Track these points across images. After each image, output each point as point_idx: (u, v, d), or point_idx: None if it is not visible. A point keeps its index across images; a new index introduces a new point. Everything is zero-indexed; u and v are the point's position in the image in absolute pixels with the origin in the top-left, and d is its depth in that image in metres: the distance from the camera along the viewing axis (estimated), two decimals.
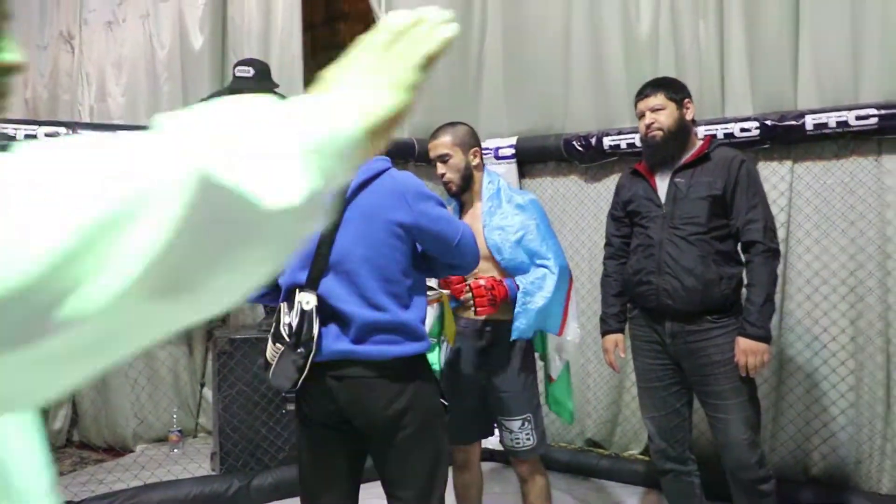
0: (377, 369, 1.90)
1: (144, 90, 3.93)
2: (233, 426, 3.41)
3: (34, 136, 3.05)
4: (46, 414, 4.01)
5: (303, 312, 1.93)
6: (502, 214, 2.50)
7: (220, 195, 0.42)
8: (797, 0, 3.10)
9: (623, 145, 3.40)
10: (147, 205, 0.40)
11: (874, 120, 2.89)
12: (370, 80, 0.57)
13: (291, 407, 2.32)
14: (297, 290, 1.96)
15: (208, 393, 3.94)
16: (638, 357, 2.62)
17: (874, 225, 3.00)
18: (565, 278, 2.50)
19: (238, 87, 3.33)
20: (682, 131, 2.50)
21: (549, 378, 2.66)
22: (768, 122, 3.07)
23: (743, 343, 2.38)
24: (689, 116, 2.52)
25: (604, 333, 2.69)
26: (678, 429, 2.56)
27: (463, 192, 2.53)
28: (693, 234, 2.43)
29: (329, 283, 1.92)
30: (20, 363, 0.40)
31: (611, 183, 3.56)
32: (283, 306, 2.01)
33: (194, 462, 3.72)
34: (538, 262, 2.46)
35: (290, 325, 1.95)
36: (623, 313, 2.67)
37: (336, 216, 1.92)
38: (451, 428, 2.55)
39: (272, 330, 1.99)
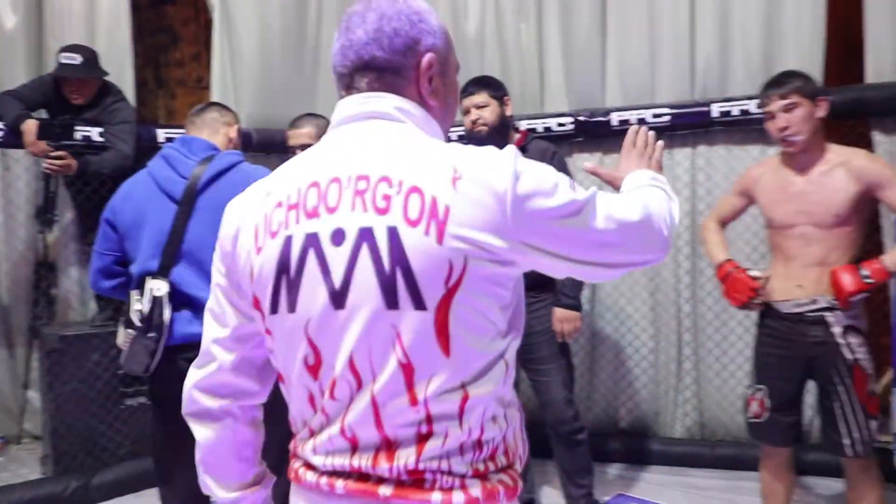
0: None
1: None
2: (67, 426, 3.30)
3: None
4: None
5: (154, 299, 1.99)
6: None
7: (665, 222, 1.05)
8: (604, 10, 3.48)
9: (453, 138, 3.63)
10: (669, 214, 1.07)
11: (667, 118, 3.34)
12: (649, 170, 1.23)
13: (131, 401, 2.32)
14: (149, 278, 2.01)
15: (35, 396, 3.75)
16: None
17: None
18: None
19: (64, 73, 3.18)
20: (504, 126, 2.73)
21: None
22: (581, 118, 3.44)
23: (559, 313, 2.68)
24: (508, 112, 2.75)
25: None
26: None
27: None
28: None
29: (181, 271, 1.99)
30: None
31: None
32: (135, 294, 2.05)
33: (25, 467, 3.55)
34: None
35: (140, 312, 2.00)
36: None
37: (187, 207, 1.99)
38: None
39: (124, 317, 2.03)
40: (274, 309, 0.97)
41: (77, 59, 3.16)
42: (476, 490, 0.92)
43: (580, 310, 2.74)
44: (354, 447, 0.94)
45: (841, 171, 2.25)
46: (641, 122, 3.36)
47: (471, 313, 0.90)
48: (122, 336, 2.03)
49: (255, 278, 0.98)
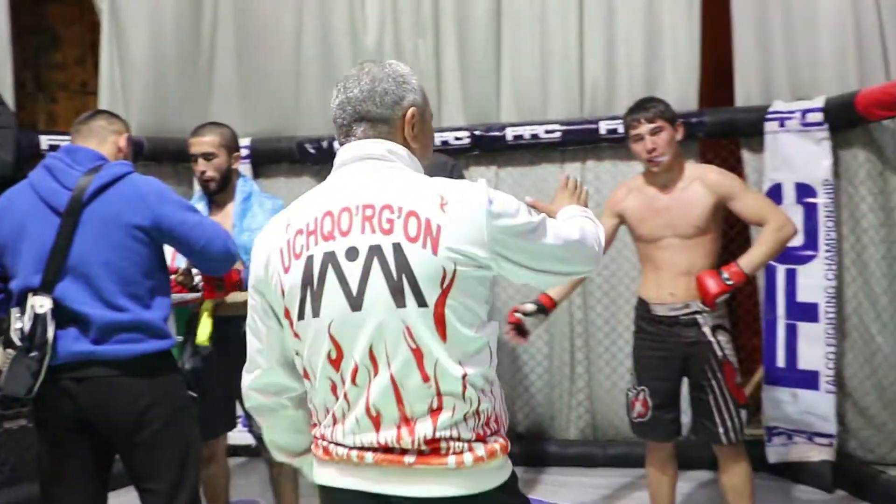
0: (120, 368, 1.93)
1: None
2: None
3: None
4: None
5: (35, 316, 1.90)
6: (252, 216, 2.60)
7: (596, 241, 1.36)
8: (499, 28, 3.62)
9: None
10: (598, 236, 1.38)
11: (558, 133, 3.50)
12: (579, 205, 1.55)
13: (10, 424, 2.20)
14: (31, 294, 1.92)
15: None
16: None
17: None
18: None
19: None
20: None
21: None
22: (477, 133, 3.55)
23: None
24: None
25: None
26: None
27: (219, 192, 2.58)
28: None
29: (66, 287, 1.91)
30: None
31: None
32: (15, 311, 1.95)
33: None
34: None
35: (21, 330, 1.91)
36: None
37: (72, 220, 1.91)
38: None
39: (3, 336, 1.93)
40: (301, 316, 1.23)
41: None
42: (480, 450, 1.20)
43: None
44: (378, 425, 1.19)
45: (697, 185, 2.46)
46: (534, 137, 3.52)
47: (461, 307, 1.19)
48: (2, 356, 1.93)
49: (286, 293, 1.24)
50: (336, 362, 1.21)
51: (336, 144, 3.58)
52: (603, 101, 3.56)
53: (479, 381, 1.20)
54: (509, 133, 3.53)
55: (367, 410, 1.19)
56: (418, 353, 1.18)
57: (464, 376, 1.18)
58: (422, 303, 1.17)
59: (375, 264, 1.18)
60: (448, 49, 3.63)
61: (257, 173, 3.85)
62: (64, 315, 1.90)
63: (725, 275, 2.35)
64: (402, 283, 1.17)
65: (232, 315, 2.53)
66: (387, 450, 1.19)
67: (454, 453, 1.18)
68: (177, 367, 2.14)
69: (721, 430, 2.44)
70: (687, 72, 3.46)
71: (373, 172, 1.25)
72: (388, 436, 1.19)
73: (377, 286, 1.18)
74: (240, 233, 2.57)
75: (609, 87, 3.56)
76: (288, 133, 3.80)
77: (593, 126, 3.48)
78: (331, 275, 1.20)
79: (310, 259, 1.21)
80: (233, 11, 3.76)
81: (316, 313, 1.21)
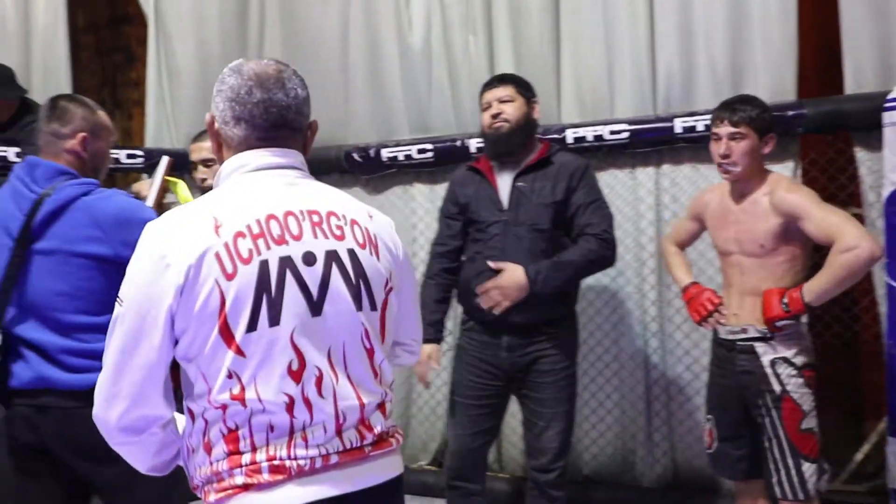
0: (79, 399, 1.73)
1: None
2: None
3: None
4: None
5: None
6: None
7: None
8: (557, 19, 3.23)
9: (401, 157, 3.40)
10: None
11: (626, 134, 3.05)
12: None
13: None
14: None
15: None
16: (463, 370, 2.54)
17: (630, 234, 3.17)
18: None
19: None
20: (528, 128, 2.48)
21: None
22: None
23: (514, 270, 2.33)
24: (535, 115, 2.51)
25: (424, 341, 2.62)
26: (479, 451, 2.54)
27: None
28: (535, 242, 2.40)
29: (18, 316, 1.77)
30: None
31: (391, 195, 3.58)
32: None
33: None
34: None
35: None
36: (443, 322, 2.59)
37: (22, 251, 1.76)
38: None
39: None
40: (252, 327, 1.12)
41: None
42: (399, 434, 1.30)
43: (534, 288, 2.33)
44: (339, 430, 1.17)
45: (765, 200, 2.18)
46: (598, 139, 3.09)
47: (393, 309, 1.29)
48: None
49: (229, 303, 1.12)
50: (297, 374, 1.15)
51: (384, 152, 3.34)
52: (679, 95, 3.08)
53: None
54: (569, 135, 3.12)
55: (336, 418, 1.17)
56: (371, 353, 1.23)
57: (390, 371, 1.28)
58: (373, 306, 1.23)
59: (335, 269, 1.19)
60: (502, 44, 3.29)
61: None
62: (19, 343, 1.77)
63: (786, 299, 2.05)
64: (360, 287, 1.21)
65: None
66: (350, 450, 1.18)
67: (391, 437, 1.26)
68: None
69: (775, 479, 2.12)
70: (781, 56, 2.90)
71: (294, 180, 1.23)
72: (350, 438, 1.18)
73: (339, 291, 1.19)
74: None
75: (686, 79, 3.06)
76: (337, 141, 3.61)
77: (667, 124, 3.00)
78: (290, 280, 1.15)
79: (264, 263, 1.14)
80: (279, 20, 3.62)
81: (274, 321, 1.13)
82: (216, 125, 1.25)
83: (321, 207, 1.20)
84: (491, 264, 2.38)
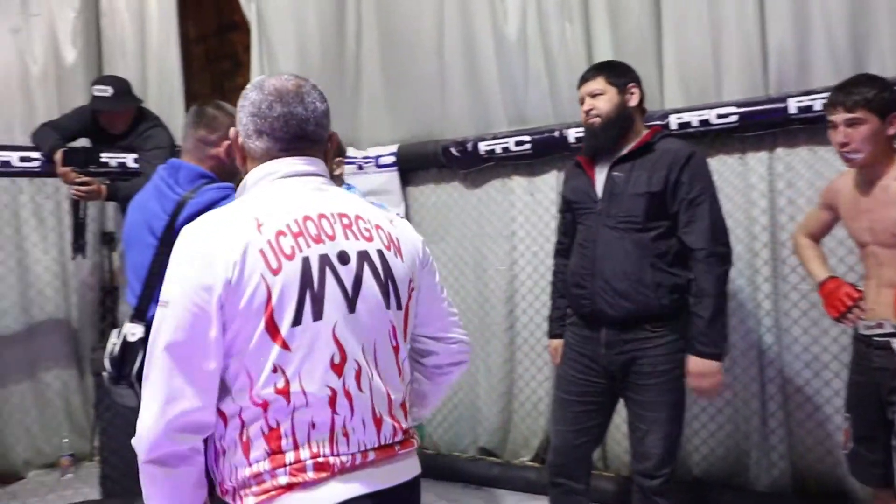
0: None
1: (19, 107, 3.80)
2: (112, 449, 3.32)
3: None
4: None
5: (126, 344, 1.87)
6: None
7: None
8: (658, 0, 3.08)
9: (498, 150, 3.35)
10: None
11: (734, 118, 2.88)
12: None
13: None
14: (126, 320, 1.90)
15: None
16: (565, 365, 2.48)
17: (741, 224, 2.99)
18: None
19: (96, 106, 3.24)
20: (623, 118, 2.34)
21: None
22: None
23: (693, 364, 2.22)
24: (632, 102, 2.36)
25: (549, 337, 2.63)
26: (582, 448, 2.45)
27: None
28: (629, 233, 2.27)
29: None
30: None
31: (490, 189, 3.54)
32: (114, 333, 1.95)
33: (87, 486, 3.63)
34: None
35: (112, 355, 1.89)
36: (568, 316, 2.54)
37: (166, 249, 1.81)
38: None
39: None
40: (297, 321, 1.16)
41: (108, 91, 3.20)
42: (416, 435, 1.34)
43: (722, 357, 2.24)
44: (379, 425, 1.22)
45: (894, 185, 2.02)
46: (704, 123, 2.93)
47: (415, 309, 1.35)
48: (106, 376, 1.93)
49: (275, 297, 1.15)
50: (339, 367, 1.18)
51: (481, 145, 3.31)
52: (793, 73, 2.86)
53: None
54: (673, 121, 2.97)
55: (373, 412, 1.22)
56: (396, 350, 1.29)
57: (408, 372, 1.33)
58: (399, 305, 1.29)
59: (366, 268, 1.24)
60: (599, 30, 3.17)
61: (406, 181, 3.70)
62: None
63: None
64: (389, 286, 1.27)
65: None
66: (384, 446, 1.23)
67: (412, 437, 1.31)
68: None
69: None
70: None
71: (321, 186, 1.30)
72: (386, 433, 1.23)
73: (371, 289, 1.24)
74: None
75: (800, 55, 2.84)
76: (435, 136, 3.60)
77: (780, 105, 2.80)
78: (329, 276, 1.20)
79: (306, 260, 1.19)
80: (375, 20, 3.65)
81: (318, 316, 1.17)
82: (240, 139, 1.31)
83: (349, 211, 1.27)
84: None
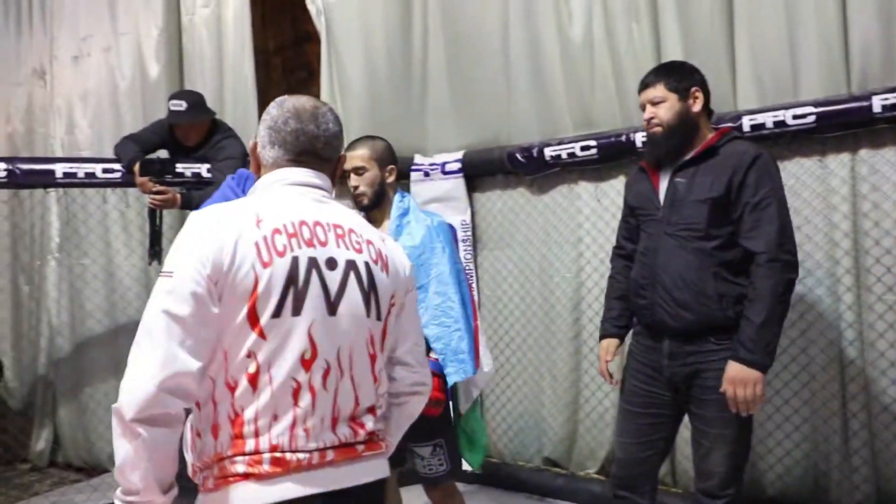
0: None
1: (109, 121, 4.03)
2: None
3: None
4: (29, 436, 4.17)
5: None
6: (409, 234, 2.45)
7: None
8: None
9: (564, 155, 3.29)
10: None
11: (811, 118, 2.72)
12: None
13: None
14: None
15: None
16: (629, 375, 2.40)
17: (821, 230, 2.82)
18: (468, 308, 2.43)
19: (171, 120, 3.38)
20: (686, 125, 2.22)
21: (458, 413, 2.51)
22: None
23: (732, 369, 2.09)
24: (696, 108, 2.24)
25: (600, 338, 2.54)
26: (647, 462, 2.36)
27: (373, 208, 2.47)
28: (690, 241, 2.17)
29: None
30: None
31: (556, 195, 3.48)
32: None
33: None
34: (438, 288, 2.40)
35: None
36: (624, 318, 2.48)
37: None
38: None
39: None
40: (277, 313, 1.24)
41: (182, 105, 3.33)
42: (388, 440, 1.45)
43: (766, 369, 2.09)
44: (335, 424, 1.28)
45: None
46: (780, 125, 2.78)
47: (393, 327, 1.44)
48: None
49: (261, 287, 1.23)
50: (308, 363, 1.25)
51: (547, 151, 3.27)
52: (878, 69, 2.68)
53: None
54: (746, 122, 2.84)
55: (333, 411, 1.28)
56: (373, 358, 1.36)
57: (384, 382, 1.41)
58: (379, 316, 1.38)
59: (352, 277, 1.33)
60: (669, 28, 3.06)
61: (472, 187, 3.68)
62: None
63: None
64: (371, 296, 1.35)
65: None
66: (344, 445, 1.29)
67: (382, 440, 1.39)
68: None
69: None
70: None
71: (323, 199, 1.39)
72: (344, 433, 1.29)
73: (353, 296, 1.32)
74: None
75: (886, 49, 2.66)
76: (501, 142, 3.58)
77: (864, 104, 2.63)
78: (314, 278, 1.28)
79: (295, 259, 1.27)
80: (441, 29, 3.64)
81: (297, 312, 1.25)
82: (258, 149, 1.41)
83: (344, 223, 1.37)
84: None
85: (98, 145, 4.02)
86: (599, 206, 3.32)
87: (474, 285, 3.68)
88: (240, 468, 1.20)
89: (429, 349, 2.39)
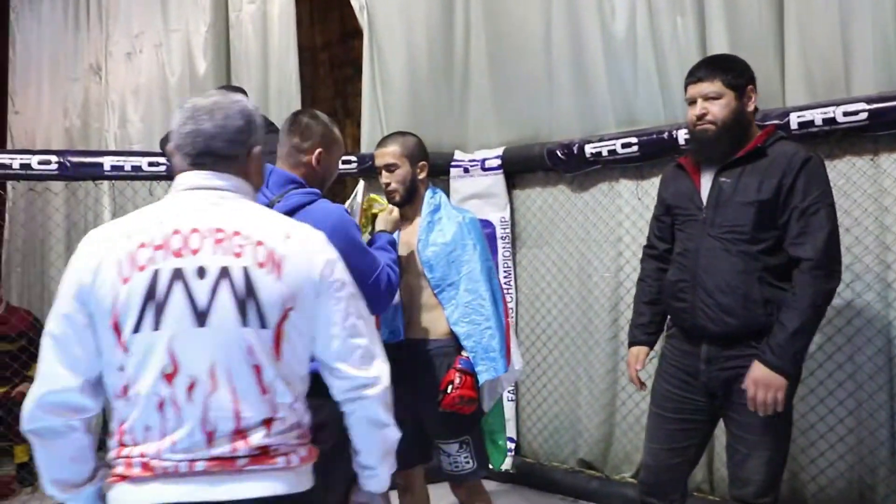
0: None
1: (159, 116, 4.14)
2: None
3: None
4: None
5: None
6: (440, 231, 2.44)
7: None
8: None
9: (605, 152, 3.23)
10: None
11: (863, 115, 2.60)
12: None
13: None
14: None
15: None
16: (660, 378, 2.33)
17: (871, 232, 2.70)
18: (499, 305, 2.41)
19: None
20: (740, 125, 2.12)
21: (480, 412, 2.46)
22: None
23: (756, 370, 2.02)
24: (750, 107, 2.13)
25: (629, 345, 2.45)
26: (676, 469, 2.29)
27: (405, 204, 2.47)
28: (735, 244, 2.09)
29: None
30: None
31: (597, 193, 3.42)
32: None
33: None
34: (468, 286, 2.38)
35: None
36: (655, 324, 2.40)
37: None
38: None
39: None
40: (137, 328, 1.25)
41: None
42: (304, 452, 1.36)
43: (790, 375, 2.02)
44: (211, 439, 1.25)
45: None
46: (829, 122, 2.67)
47: (295, 333, 1.32)
48: None
49: (120, 304, 1.26)
50: (170, 377, 1.25)
51: (587, 148, 3.22)
52: None
53: (305, 400, 1.37)
54: (794, 119, 2.73)
55: (203, 425, 1.25)
56: (258, 369, 1.29)
57: (291, 391, 1.33)
58: (263, 324, 1.29)
59: (224, 284, 1.27)
60: (715, 23, 2.97)
61: (512, 184, 3.65)
62: None
63: None
64: (248, 304, 1.27)
65: (419, 338, 2.41)
66: (219, 458, 1.25)
67: (282, 454, 1.30)
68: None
69: None
70: None
71: (219, 201, 1.35)
72: (222, 450, 1.25)
73: (225, 305, 1.27)
74: (424, 248, 2.41)
75: None
76: (543, 139, 3.53)
77: None
78: (177, 290, 1.26)
79: (156, 273, 1.26)
80: (483, 25, 3.62)
81: (156, 326, 1.25)
82: (175, 155, 1.41)
83: (229, 226, 1.31)
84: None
85: (148, 139, 4.13)
86: (640, 204, 3.25)
87: (512, 283, 3.65)
88: (119, 469, 1.27)
89: (460, 348, 2.38)
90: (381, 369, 1.43)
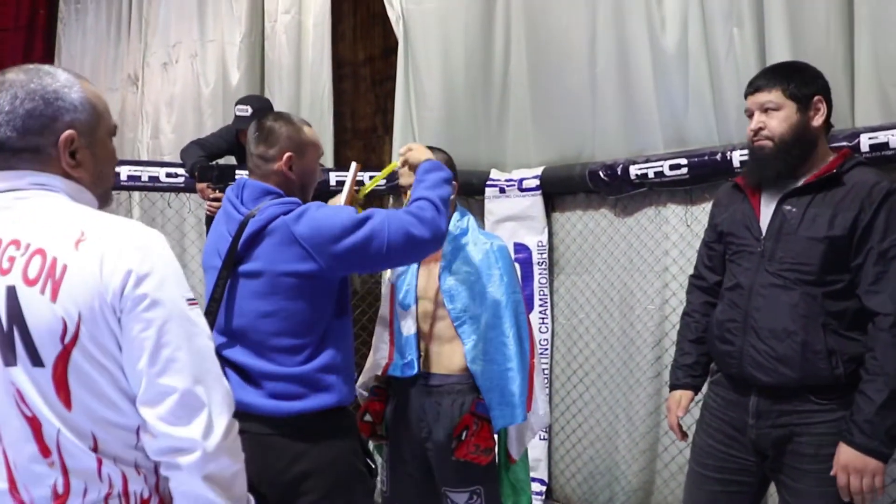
0: (277, 427, 1.71)
1: (191, 126, 4.07)
2: None
3: None
4: None
5: None
6: (464, 258, 2.22)
7: None
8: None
9: (651, 174, 2.97)
10: None
11: None
12: None
13: None
14: None
15: None
16: (702, 432, 2.04)
17: None
18: (525, 344, 2.18)
19: (236, 125, 3.32)
20: (803, 142, 1.85)
21: (508, 459, 2.22)
22: None
23: (845, 455, 1.73)
24: (817, 121, 1.86)
25: (670, 388, 2.15)
26: None
27: None
28: (798, 285, 1.81)
29: (221, 337, 1.76)
30: None
31: (642, 217, 3.16)
32: None
33: None
34: (491, 320, 2.15)
35: None
36: (700, 365, 2.11)
37: (226, 273, 1.75)
38: (391, 498, 2.29)
39: None
40: None
41: (248, 110, 3.27)
42: None
43: (886, 458, 1.72)
44: None
45: None
46: None
47: (91, 369, 1.00)
48: None
49: None
50: None
51: (632, 169, 2.97)
52: None
53: (127, 455, 1.03)
54: (864, 141, 2.44)
55: None
56: (34, 422, 1.00)
57: (96, 450, 1.01)
58: (37, 361, 0.99)
59: None
60: (776, 34, 2.69)
61: (551, 206, 3.42)
62: (224, 365, 1.71)
63: None
64: (13, 335, 0.99)
65: (433, 372, 2.20)
66: None
67: None
68: (348, 429, 1.84)
69: None
70: None
71: (12, 203, 1.06)
72: None
73: None
74: (445, 276, 2.19)
75: None
76: (585, 158, 3.29)
77: None
78: None
79: None
80: (525, 34, 3.41)
81: None
82: None
83: (7, 234, 1.03)
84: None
85: (178, 151, 4.05)
86: (689, 231, 2.97)
87: (548, 312, 3.40)
88: None
89: (477, 390, 2.15)
90: (206, 427, 1.03)
